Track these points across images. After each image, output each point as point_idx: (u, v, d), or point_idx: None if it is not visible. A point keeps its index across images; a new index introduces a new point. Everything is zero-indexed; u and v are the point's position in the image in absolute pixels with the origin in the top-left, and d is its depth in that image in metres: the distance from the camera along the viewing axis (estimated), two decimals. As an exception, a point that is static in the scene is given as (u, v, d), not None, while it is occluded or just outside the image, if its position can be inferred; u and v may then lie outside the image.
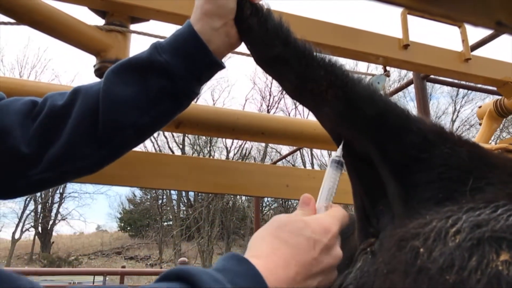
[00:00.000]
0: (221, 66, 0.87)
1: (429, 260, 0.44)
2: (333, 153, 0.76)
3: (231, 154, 22.17)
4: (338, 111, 0.72)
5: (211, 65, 0.85)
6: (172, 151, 21.66)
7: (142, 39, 1.61)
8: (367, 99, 0.69)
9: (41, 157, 0.80)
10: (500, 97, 2.39)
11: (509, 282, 0.39)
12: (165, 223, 24.17)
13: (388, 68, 2.14)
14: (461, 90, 17.34)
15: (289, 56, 0.75)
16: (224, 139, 21.29)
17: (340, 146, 0.75)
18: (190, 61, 0.83)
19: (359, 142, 0.73)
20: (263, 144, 20.85)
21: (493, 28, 0.40)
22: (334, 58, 0.74)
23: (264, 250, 0.55)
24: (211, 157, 16.92)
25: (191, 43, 0.82)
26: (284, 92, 0.83)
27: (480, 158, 0.65)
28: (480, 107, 2.53)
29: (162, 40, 0.85)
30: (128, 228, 26.22)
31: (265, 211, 21.25)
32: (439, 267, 0.43)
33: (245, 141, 20.79)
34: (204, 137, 21.22)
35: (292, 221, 0.59)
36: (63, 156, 0.81)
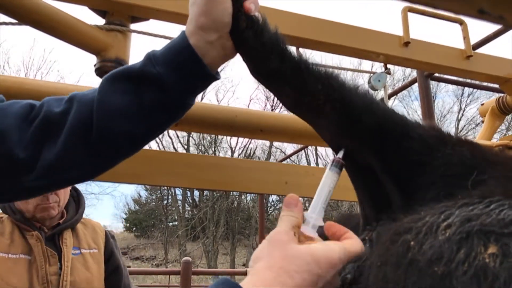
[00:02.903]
0: (215, 78, 0.87)
1: (419, 253, 0.45)
2: (337, 155, 0.74)
3: (235, 154, 22.21)
4: (337, 123, 0.72)
5: (206, 78, 0.85)
6: (177, 151, 21.71)
7: (142, 38, 1.63)
8: (365, 110, 0.69)
9: (35, 163, 0.80)
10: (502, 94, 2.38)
11: (495, 274, 0.39)
12: (171, 224, 24.25)
13: (389, 66, 2.14)
14: (466, 88, 17.27)
15: (285, 70, 0.74)
16: (229, 139, 21.36)
17: (342, 150, 0.73)
18: (184, 74, 0.82)
19: (360, 152, 0.73)
20: (268, 144, 20.88)
21: (475, 16, 0.40)
22: (330, 70, 0.74)
23: (270, 283, 0.54)
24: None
25: (185, 56, 0.82)
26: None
27: (482, 156, 0.65)
28: (482, 104, 2.52)
29: (156, 50, 0.85)
30: (134, 229, 26.31)
31: (270, 211, 21.25)
32: (428, 259, 0.43)
33: (249, 141, 20.84)
34: (208, 137, 21.30)
35: (302, 255, 0.57)
36: (57, 164, 0.81)
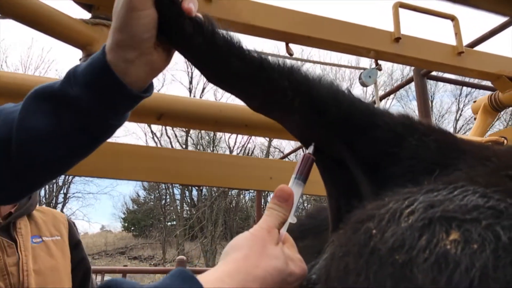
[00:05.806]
0: (141, 97, 0.78)
1: (381, 241, 0.43)
2: (306, 151, 0.72)
3: (234, 153, 22.19)
4: (306, 117, 0.70)
5: (128, 98, 0.76)
6: (173, 148, 21.64)
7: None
8: (332, 100, 0.68)
9: None
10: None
11: (457, 261, 0.38)
12: (169, 223, 24.22)
13: (381, 62, 2.13)
14: (464, 88, 17.28)
15: (248, 71, 0.69)
16: (227, 138, 21.33)
17: (312, 145, 0.71)
18: (102, 95, 0.74)
19: (329, 144, 0.71)
20: (266, 144, 20.87)
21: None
22: (291, 63, 0.70)
23: (237, 280, 0.52)
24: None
25: (102, 76, 0.73)
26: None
27: (448, 146, 0.64)
28: (474, 101, 2.51)
29: (80, 65, 0.77)
30: (132, 228, 26.27)
31: (268, 211, 21.15)
32: (389, 247, 0.42)
33: (248, 140, 20.81)
34: (207, 137, 21.26)
35: (280, 259, 0.56)
36: None
